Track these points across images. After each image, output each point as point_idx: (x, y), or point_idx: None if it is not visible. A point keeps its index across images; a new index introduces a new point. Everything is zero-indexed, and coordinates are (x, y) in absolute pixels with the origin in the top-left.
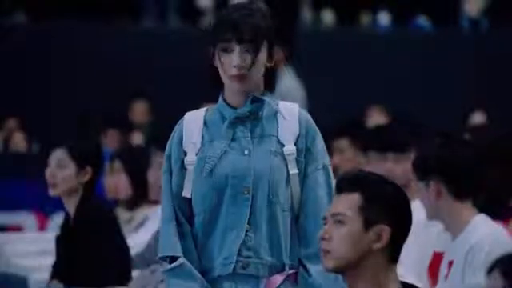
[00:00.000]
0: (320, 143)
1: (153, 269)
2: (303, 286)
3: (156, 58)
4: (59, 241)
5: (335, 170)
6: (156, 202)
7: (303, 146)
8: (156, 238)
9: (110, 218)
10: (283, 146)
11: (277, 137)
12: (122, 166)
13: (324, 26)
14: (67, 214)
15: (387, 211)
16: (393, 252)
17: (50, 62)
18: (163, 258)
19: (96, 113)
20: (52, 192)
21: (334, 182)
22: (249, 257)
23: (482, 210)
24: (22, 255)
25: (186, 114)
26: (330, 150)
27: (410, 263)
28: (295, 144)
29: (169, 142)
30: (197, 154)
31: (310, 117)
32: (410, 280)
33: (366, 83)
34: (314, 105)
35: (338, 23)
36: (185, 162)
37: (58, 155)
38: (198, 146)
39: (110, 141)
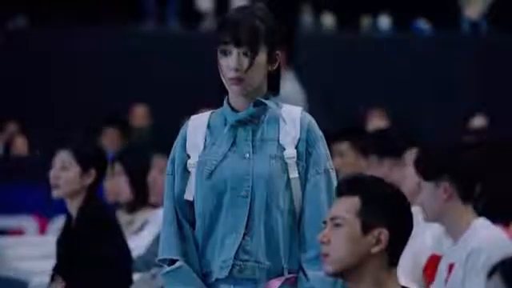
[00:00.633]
0: (322, 147)
1: (153, 273)
2: None
3: (156, 62)
4: (60, 242)
5: (336, 174)
6: (156, 205)
7: (304, 149)
8: (157, 240)
9: (112, 221)
10: (284, 149)
11: (278, 141)
12: (122, 169)
13: (324, 29)
14: (69, 216)
15: (386, 215)
16: (392, 255)
17: (51, 65)
18: (163, 261)
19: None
20: (55, 194)
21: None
22: (246, 260)
23: (482, 213)
24: (23, 259)
25: (192, 117)
26: (331, 154)
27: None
28: (296, 148)
29: (173, 145)
30: (199, 157)
31: (313, 120)
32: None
33: (367, 86)
34: (314, 108)
35: (338, 26)
36: (187, 165)
37: (63, 157)
38: (201, 148)
39: (110, 142)
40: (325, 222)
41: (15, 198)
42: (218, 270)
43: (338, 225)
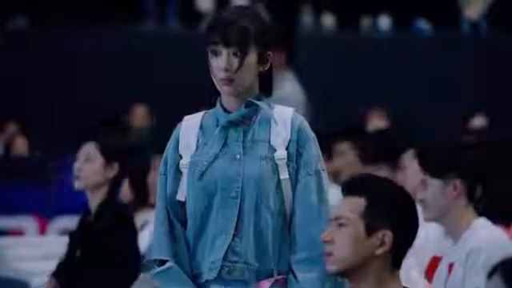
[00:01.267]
0: (312, 148)
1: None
2: None
3: (156, 62)
4: (74, 237)
5: (337, 174)
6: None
7: (294, 150)
8: None
9: (130, 220)
10: (275, 151)
11: (269, 142)
12: None
13: (324, 29)
14: (87, 211)
15: (391, 216)
16: (396, 257)
17: (51, 65)
18: (153, 261)
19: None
20: (77, 185)
21: (327, 187)
22: (235, 262)
23: (483, 213)
24: (23, 259)
25: (185, 117)
26: (332, 154)
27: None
28: (286, 149)
29: (167, 146)
30: (191, 158)
31: (305, 121)
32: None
33: (367, 87)
34: (315, 108)
35: (338, 27)
36: (180, 166)
37: (87, 149)
38: (193, 149)
39: None
40: (330, 221)
41: (15, 198)
42: (208, 271)
43: (342, 225)
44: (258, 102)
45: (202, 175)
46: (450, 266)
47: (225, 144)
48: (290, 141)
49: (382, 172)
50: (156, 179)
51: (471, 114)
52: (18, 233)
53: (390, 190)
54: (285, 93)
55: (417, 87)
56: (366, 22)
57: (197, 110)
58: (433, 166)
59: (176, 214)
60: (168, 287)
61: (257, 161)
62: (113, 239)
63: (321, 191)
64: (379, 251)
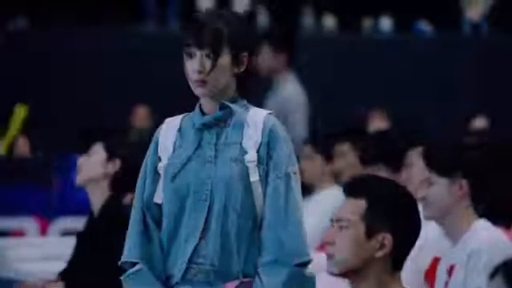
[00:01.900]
0: (283, 151)
1: None
2: None
3: (157, 62)
4: (80, 237)
5: (338, 175)
6: None
7: (265, 153)
8: None
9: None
10: (246, 153)
11: (240, 144)
12: None
13: (325, 30)
14: (92, 212)
15: (391, 219)
16: (397, 259)
17: (51, 65)
18: (125, 263)
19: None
20: (78, 180)
21: (298, 189)
22: (201, 264)
23: (483, 215)
24: (24, 260)
25: (166, 120)
26: (332, 155)
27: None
28: (257, 151)
29: (148, 148)
30: (168, 160)
31: (277, 123)
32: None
33: (368, 88)
34: (316, 110)
35: (339, 28)
36: (158, 168)
37: (95, 147)
38: (170, 151)
39: None
40: (331, 221)
41: (16, 199)
42: (177, 273)
43: (342, 226)
44: (231, 105)
45: (174, 177)
46: (451, 269)
47: (198, 146)
48: (260, 143)
49: (382, 173)
50: None
51: (472, 114)
52: (19, 233)
53: (390, 192)
54: (286, 94)
55: (418, 88)
56: (367, 23)
57: None
58: (439, 164)
59: (152, 215)
60: None
61: (227, 163)
62: (115, 241)
63: (289, 194)
64: (379, 254)
